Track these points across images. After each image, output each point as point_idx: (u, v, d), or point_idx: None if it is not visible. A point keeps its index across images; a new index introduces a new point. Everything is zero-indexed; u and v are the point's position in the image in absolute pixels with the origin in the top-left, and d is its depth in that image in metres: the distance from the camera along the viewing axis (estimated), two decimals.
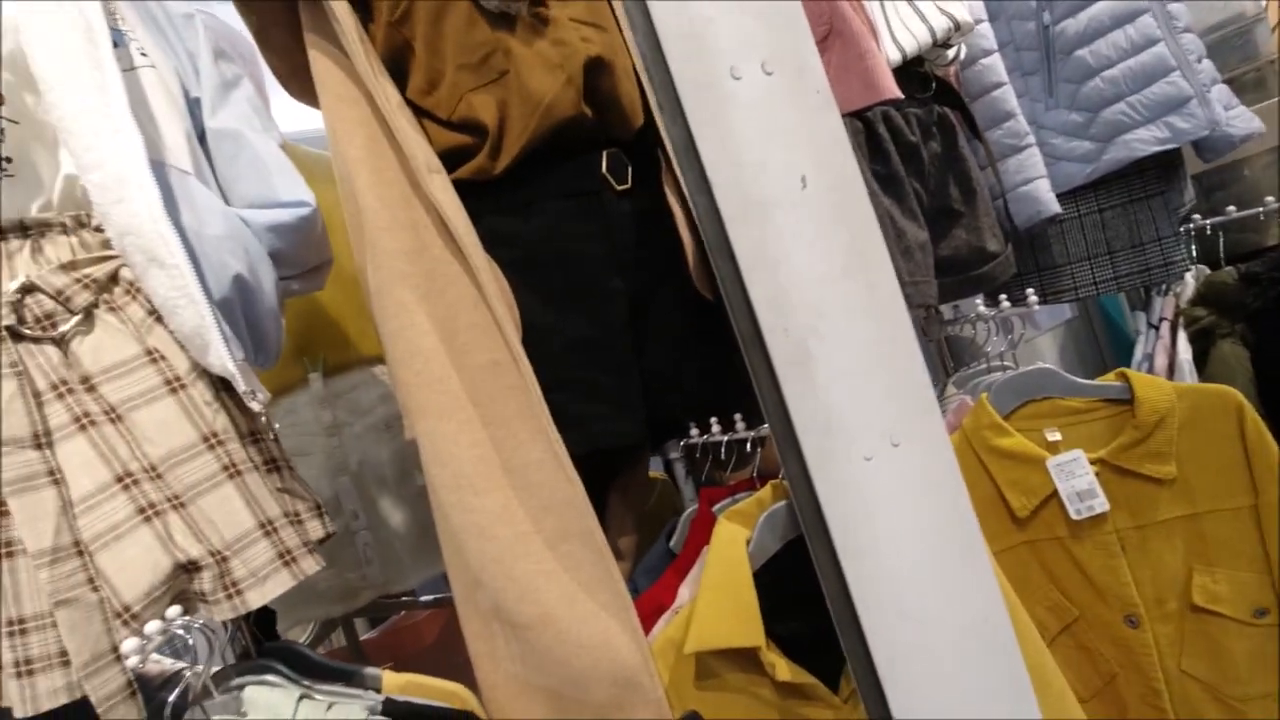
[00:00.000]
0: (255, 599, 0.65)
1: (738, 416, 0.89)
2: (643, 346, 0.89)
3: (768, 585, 0.81)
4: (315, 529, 0.71)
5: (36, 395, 0.61)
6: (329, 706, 0.66)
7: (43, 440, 0.60)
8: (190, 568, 0.63)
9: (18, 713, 0.58)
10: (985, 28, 1.16)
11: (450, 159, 0.82)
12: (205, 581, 0.63)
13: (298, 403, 1.13)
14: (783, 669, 0.79)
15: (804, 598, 0.85)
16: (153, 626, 0.59)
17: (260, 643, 0.77)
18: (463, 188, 0.82)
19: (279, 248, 0.75)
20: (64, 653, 0.59)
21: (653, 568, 0.95)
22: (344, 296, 1.21)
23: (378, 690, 0.75)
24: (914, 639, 0.62)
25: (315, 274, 0.84)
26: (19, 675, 0.57)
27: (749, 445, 0.87)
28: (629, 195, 0.88)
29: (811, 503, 0.61)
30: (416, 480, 1.22)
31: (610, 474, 0.99)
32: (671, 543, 0.96)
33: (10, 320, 0.61)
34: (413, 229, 0.81)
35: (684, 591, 0.87)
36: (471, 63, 0.80)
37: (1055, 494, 0.99)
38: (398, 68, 0.83)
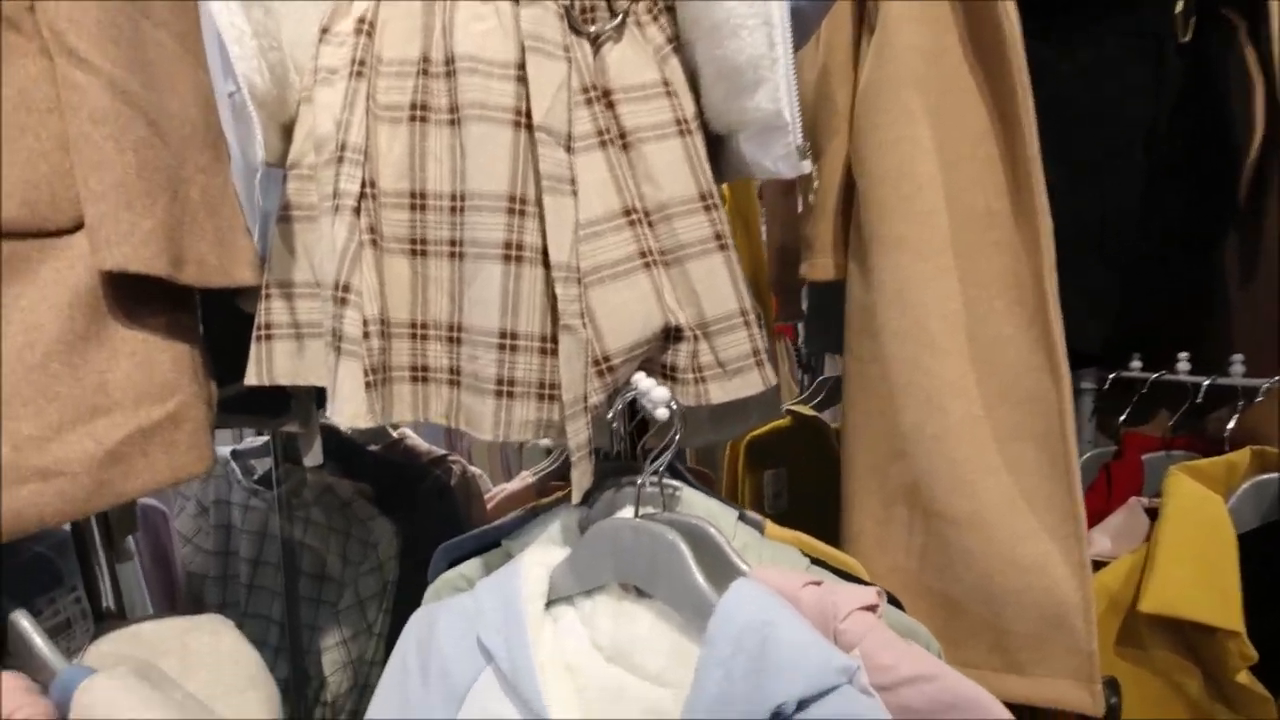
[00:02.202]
0: (717, 392, 0.56)
1: (1238, 358, 0.71)
2: (1129, 245, 0.72)
3: None
4: (763, 338, 0.61)
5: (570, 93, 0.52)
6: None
7: (570, 144, 0.52)
8: (673, 335, 0.54)
9: (487, 434, 0.53)
10: None
11: None
12: (680, 355, 0.55)
13: None
14: (1244, 671, 0.63)
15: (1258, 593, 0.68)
16: (649, 385, 0.51)
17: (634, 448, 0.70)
18: None
19: (801, 5, 0.63)
20: (542, 384, 0.52)
21: None
22: None
23: (762, 532, 0.67)
24: None
25: None
26: (498, 394, 0.52)
27: (1259, 395, 0.69)
28: (1185, 53, 0.70)
29: None
30: None
31: None
32: None
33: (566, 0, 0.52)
34: (933, 25, 0.66)
35: (1102, 539, 0.73)
36: None
37: None
38: None
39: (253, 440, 1.22)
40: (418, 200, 0.53)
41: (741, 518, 0.58)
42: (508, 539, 0.63)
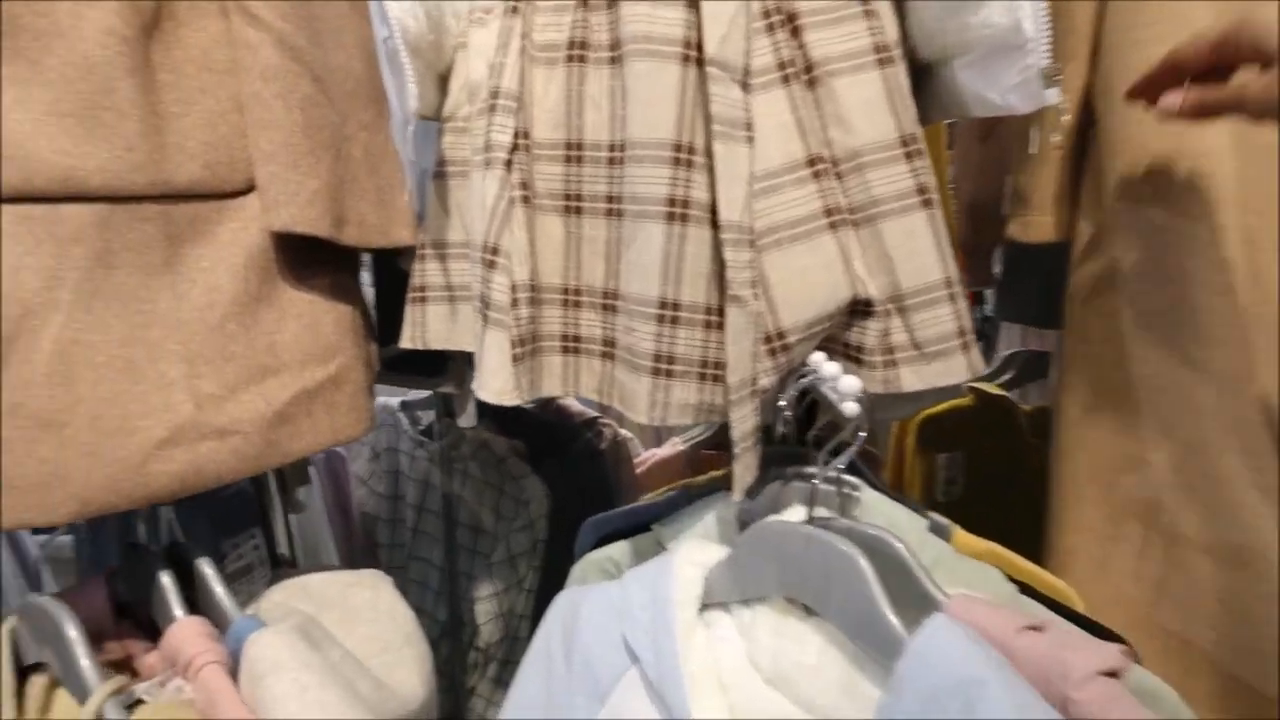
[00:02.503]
0: (911, 379, 0.47)
1: None
2: None
3: None
4: (969, 315, 0.51)
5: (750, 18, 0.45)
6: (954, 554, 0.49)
7: (747, 80, 0.45)
8: (860, 309, 0.46)
9: (642, 416, 0.48)
10: None
11: None
12: (868, 334, 0.46)
13: None
14: None
15: None
16: (834, 371, 0.43)
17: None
18: None
19: None
20: (704, 362, 0.46)
21: None
22: None
23: (948, 540, 0.57)
24: None
25: None
26: (655, 372, 0.46)
27: None
28: None
29: None
30: None
31: None
32: None
33: None
34: None
35: None
36: None
37: None
38: None
39: (420, 391, 1.27)
40: (574, 152, 0.48)
41: (931, 528, 0.50)
42: (659, 525, 0.59)
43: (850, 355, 0.47)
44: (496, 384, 0.48)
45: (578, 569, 0.63)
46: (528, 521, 1.11)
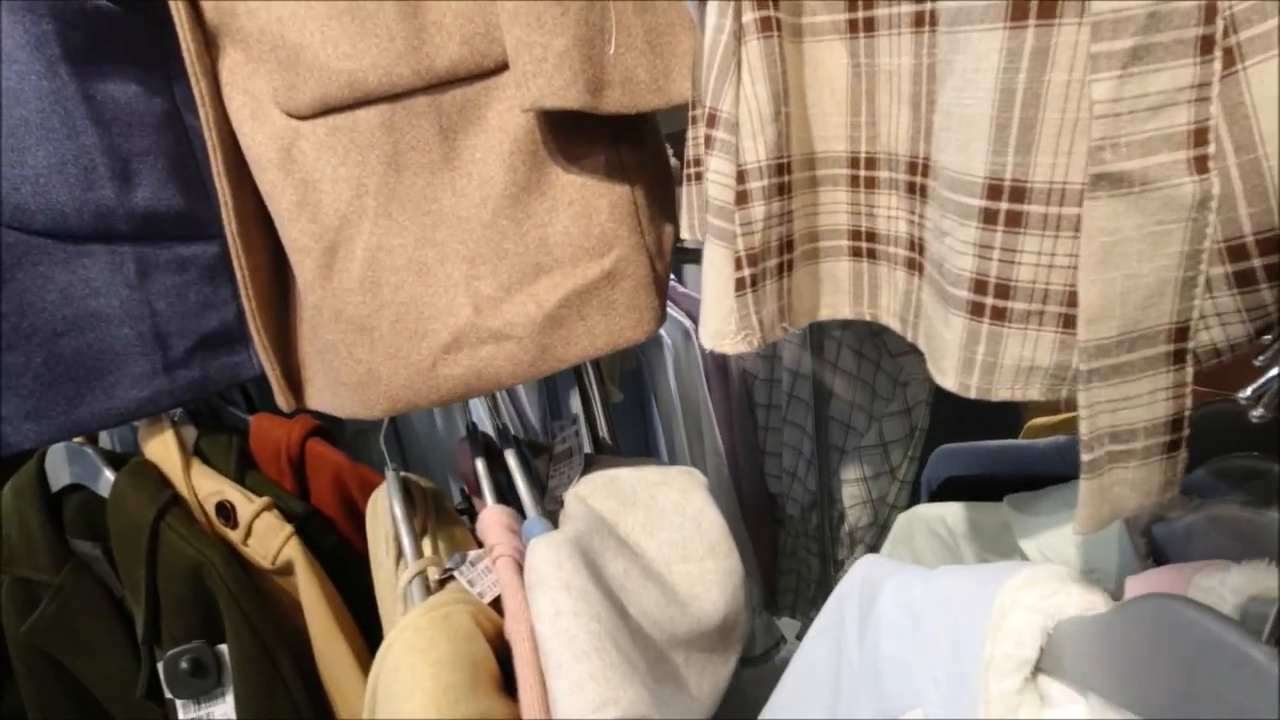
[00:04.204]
0: None
1: None
2: None
3: None
4: None
5: None
6: None
7: None
8: None
9: (949, 380, 0.29)
10: None
11: None
12: None
13: None
14: None
15: None
16: None
17: None
18: None
19: None
20: (1070, 299, 0.25)
21: None
22: None
23: None
24: None
25: None
26: (976, 309, 0.27)
27: None
28: None
29: None
30: None
31: None
32: None
33: None
34: None
35: None
36: None
37: None
38: None
39: None
40: None
41: None
42: (1013, 504, 0.40)
43: None
44: (713, 322, 0.34)
45: (904, 520, 0.48)
46: (904, 406, 0.95)
